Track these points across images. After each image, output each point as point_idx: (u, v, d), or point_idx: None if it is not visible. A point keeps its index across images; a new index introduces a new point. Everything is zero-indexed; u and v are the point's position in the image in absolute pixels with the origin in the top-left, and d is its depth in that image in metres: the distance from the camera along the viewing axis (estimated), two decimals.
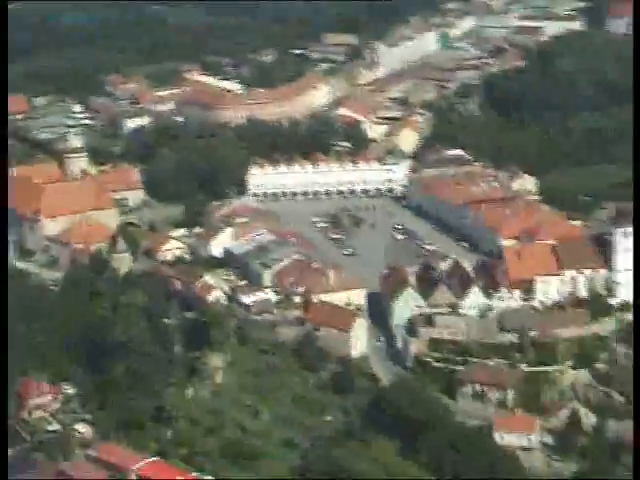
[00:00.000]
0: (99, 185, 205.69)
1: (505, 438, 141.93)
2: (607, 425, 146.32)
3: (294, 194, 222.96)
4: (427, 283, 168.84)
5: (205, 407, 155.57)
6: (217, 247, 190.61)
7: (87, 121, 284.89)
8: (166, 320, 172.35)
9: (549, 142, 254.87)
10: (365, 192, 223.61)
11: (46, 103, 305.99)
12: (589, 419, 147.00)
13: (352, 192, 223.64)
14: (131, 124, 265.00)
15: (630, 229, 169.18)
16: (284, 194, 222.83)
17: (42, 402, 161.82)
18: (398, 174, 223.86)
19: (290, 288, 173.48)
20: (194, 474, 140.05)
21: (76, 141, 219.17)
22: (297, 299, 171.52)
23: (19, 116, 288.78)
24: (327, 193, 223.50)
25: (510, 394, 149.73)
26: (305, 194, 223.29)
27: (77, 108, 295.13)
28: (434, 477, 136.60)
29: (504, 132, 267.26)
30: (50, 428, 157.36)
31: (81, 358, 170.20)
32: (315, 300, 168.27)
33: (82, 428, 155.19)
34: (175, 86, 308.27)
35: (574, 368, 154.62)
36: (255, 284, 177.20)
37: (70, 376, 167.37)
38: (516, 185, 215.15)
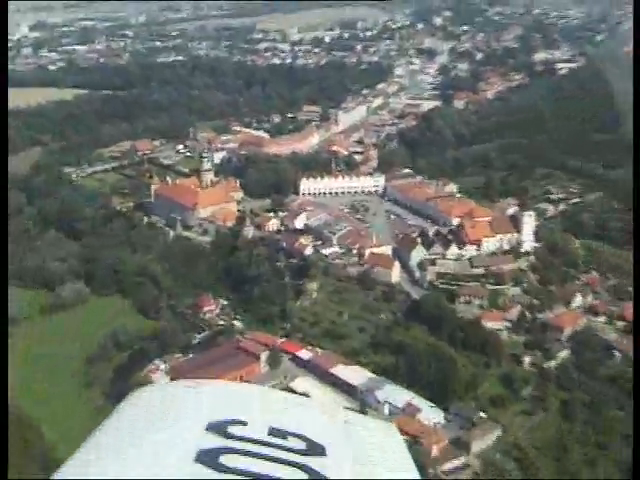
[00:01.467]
0: (225, 189, 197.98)
1: (488, 324, 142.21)
2: (536, 316, 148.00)
3: (324, 194, 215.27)
4: (425, 242, 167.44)
5: (308, 311, 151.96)
6: (299, 222, 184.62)
7: (189, 154, 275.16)
8: (278, 264, 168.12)
9: (440, 166, 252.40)
10: (362, 192, 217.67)
11: (159, 145, 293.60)
12: (527, 314, 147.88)
13: (356, 192, 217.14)
14: (217, 156, 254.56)
15: (530, 212, 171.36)
16: (319, 194, 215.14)
17: (210, 309, 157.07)
18: (380, 183, 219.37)
19: (349, 245, 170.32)
20: (309, 347, 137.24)
21: (206, 164, 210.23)
22: (354, 251, 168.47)
23: (148, 151, 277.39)
24: (342, 193, 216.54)
25: (485, 301, 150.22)
26: (330, 194, 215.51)
27: (181, 147, 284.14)
28: (452, 347, 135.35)
29: (414, 160, 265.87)
30: (219, 323, 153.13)
31: (229, 285, 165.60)
32: (367, 252, 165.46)
33: (237, 323, 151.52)
34: (229, 134, 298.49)
35: (513, 286, 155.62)
36: (327, 243, 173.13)
37: (224, 295, 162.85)
38: (447, 188, 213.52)
